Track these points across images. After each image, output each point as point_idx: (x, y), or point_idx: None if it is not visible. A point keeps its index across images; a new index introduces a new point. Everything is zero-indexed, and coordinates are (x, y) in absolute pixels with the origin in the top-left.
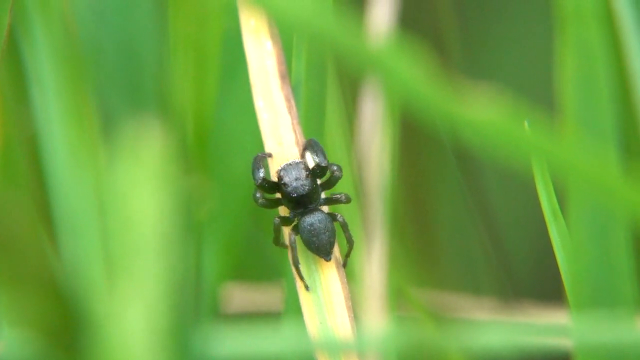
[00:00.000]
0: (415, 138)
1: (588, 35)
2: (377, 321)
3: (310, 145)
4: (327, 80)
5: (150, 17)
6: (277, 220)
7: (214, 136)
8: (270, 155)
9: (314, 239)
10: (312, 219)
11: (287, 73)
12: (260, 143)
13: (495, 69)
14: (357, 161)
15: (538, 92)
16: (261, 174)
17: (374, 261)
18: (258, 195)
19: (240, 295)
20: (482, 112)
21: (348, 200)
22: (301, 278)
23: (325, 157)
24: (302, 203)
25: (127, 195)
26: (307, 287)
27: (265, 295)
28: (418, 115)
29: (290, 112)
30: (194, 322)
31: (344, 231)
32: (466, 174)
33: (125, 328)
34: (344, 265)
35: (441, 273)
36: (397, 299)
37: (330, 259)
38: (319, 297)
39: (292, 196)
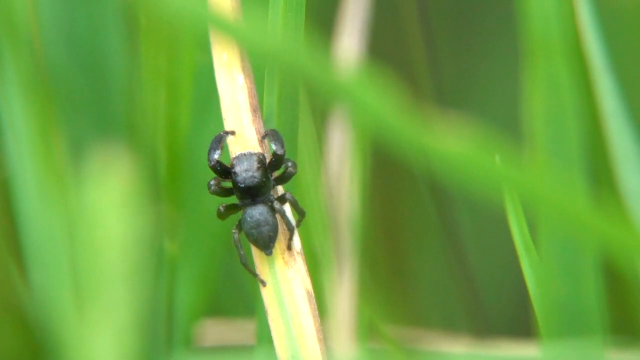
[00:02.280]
0: (387, 169)
1: (556, 66)
2: (348, 353)
3: (270, 134)
4: (299, 113)
5: (122, 51)
6: (221, 208)
7: (186, 169)
8: (233, 133)
9: (253, 230)
10: (254, 211)
11: (259, 107)
12: None
13: (465, 98)
14: (327, 192)
15: (508, 121)
16: (216, 155)
17: (345, 293)
18: (212, 182)
19: (213, 330)
20: (452, 143)
21: (292, 199)
22: (254, 275)
23: (282, 147)
24: (249, 194)
25: (95, 224)
26: (263, 283)
27: (238, 329)
28: (388, 146)
29: (261, 146)
30: (165, 352)
31: (282, 218)
32: (439, 206)
33: (94, 357)
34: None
35: (413, 306)
36: (368, 331)
37: (270, 254)
38: (290, 330)
39: (240, 186)
